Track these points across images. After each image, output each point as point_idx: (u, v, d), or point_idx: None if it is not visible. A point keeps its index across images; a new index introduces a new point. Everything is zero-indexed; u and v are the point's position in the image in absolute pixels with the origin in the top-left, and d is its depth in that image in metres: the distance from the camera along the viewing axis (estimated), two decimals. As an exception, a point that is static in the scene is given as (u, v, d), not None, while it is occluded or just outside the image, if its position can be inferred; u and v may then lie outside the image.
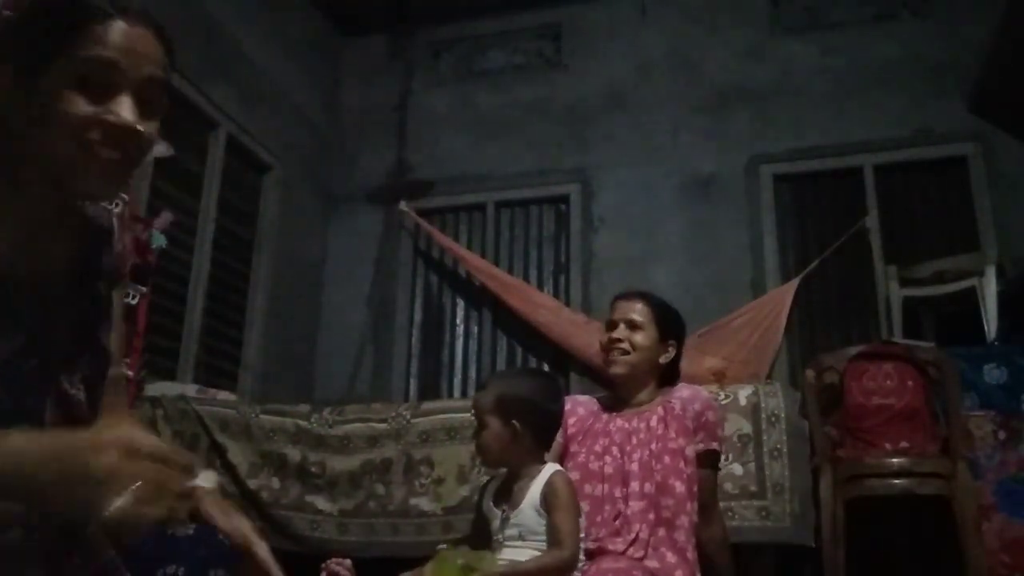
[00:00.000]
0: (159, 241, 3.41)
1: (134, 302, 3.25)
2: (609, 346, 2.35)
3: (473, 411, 2.02)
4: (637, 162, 5.07)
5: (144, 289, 3.30)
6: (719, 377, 3.58)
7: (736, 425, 2.81)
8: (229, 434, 3.28)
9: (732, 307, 4.40)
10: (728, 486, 2.75)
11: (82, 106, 0.96)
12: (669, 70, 5.20)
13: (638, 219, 5.00)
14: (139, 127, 0.99)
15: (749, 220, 4.83)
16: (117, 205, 1.23)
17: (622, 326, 2.35)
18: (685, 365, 2.53)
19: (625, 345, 2.33)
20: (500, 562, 1.86)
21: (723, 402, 2.84)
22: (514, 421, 1.98)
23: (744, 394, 2.89)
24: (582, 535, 1.99)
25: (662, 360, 2.37)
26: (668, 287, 4.56)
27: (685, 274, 4.77)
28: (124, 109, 0.98)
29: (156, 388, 3.52)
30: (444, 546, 1.94)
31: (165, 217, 3.49)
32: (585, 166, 5.19)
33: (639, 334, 2.34)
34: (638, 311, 2.37)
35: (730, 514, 2.69)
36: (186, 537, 0.88)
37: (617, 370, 2.34)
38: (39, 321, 1.02)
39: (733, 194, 4.90)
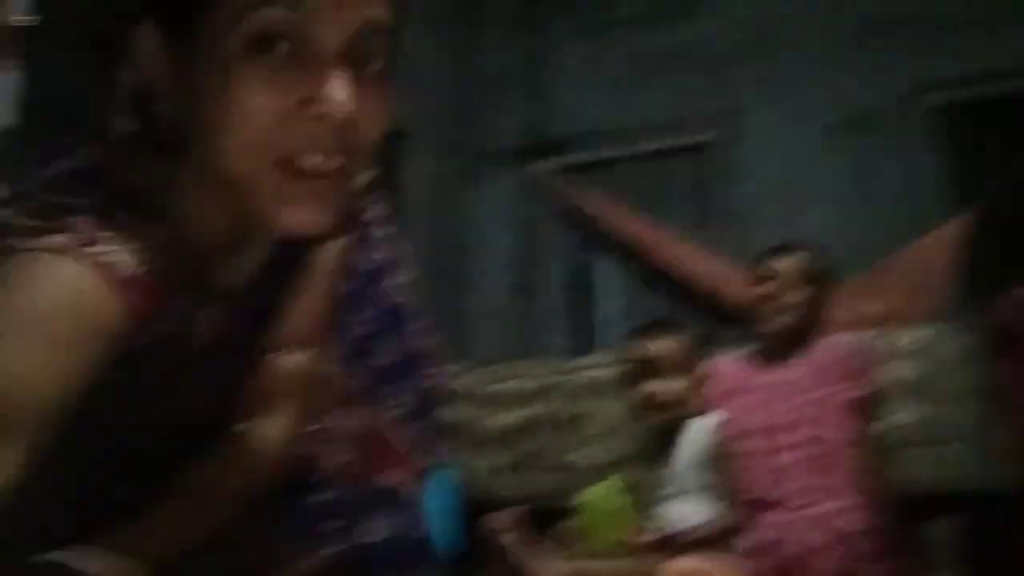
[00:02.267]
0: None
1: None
2: (761, 301, 2.29)
3: (655, 360, 1.94)
4: (783, 102, 4.85)
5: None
6: (882, 321, 3.40)
7: (902, 370, 2.67)
8: (386, 396, 3.39)
9: (893, 248, 4.15)
10: (897, 434, 2.62)
11: (265, 89, 0.63)
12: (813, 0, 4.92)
13: (786, 162, 4.79)
14: (356, 113, 0.65)
15: (909, 155, 4.54)
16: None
17: (775, 281, 2.27)
18: (844, 311, 2.44)
19: (781, 303, 2.25)
20: (660, 517, 1.85)
21: (887, 347, 2.70)
22: (699, 370, 1.96)
23: (910, 337, 2.74)
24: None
25: (815, 317, 2.28)
26: (821, 231, 4.35)
27: (840, 217, 4.54)
28: (335, 90, 0.63)
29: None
30: (588, 493, 1.94)
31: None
32: (727, 111, 5.00)
33: (795, 290, 2.26)
34: (791, 265, 2.29)
35: (900, 463, 2.57)
36: (381, 543, 0.89)
37: (772, 328, 2.28)
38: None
39: (889, 128, 4.60)
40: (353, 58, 0.65)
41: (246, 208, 0.69)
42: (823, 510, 2.03)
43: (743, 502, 2.00)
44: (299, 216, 0.67)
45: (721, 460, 1.87)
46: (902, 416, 2.64)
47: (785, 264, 2.30)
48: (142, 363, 0.73)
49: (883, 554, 2.05)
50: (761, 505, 2.06)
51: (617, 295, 5.18)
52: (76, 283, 0.62)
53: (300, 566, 0.86)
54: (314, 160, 0.65)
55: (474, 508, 2.86)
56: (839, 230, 4.44)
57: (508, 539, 1.76)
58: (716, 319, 4.73)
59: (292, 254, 0.87)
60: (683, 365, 1.94)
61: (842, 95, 4.73)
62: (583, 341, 5.18)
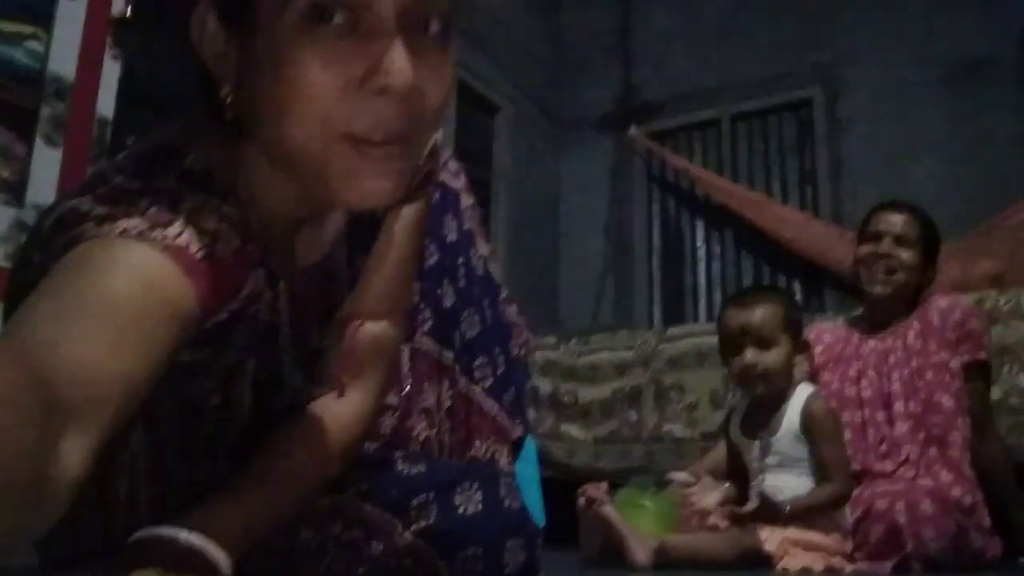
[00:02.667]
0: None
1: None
2: (868, 262, 2.17)
3: (754, 329, 1.87)
4: (888, 53, 4.62)
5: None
6: (997, 281, 3.23)
7: (1020, 332, 2.53)
8: (483, 368, 3.43)
9: (1008, 203, 3.92)
10: (1015, 400, 2.49)
11: (324, 63, 0.62)
12: (918, -55, 4.66)
13: (892, 116, 4.57)
14: (413, 85, 0.63)
15: (1021, 105, 4.27)
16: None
17: (888, 240, 2.15)
18: (957, 271, 2.31)
19: (892, 262, 2.14)
20: (763, 488, 1.81)
21: (1003, 307, 2.56)
22: (802, 337, 1.90)
23: (1027, 297, 2.59)
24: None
25: (923, 282, 2.17)
26: (931, 188, 4.17)
27: (950, 172, 4.32)
28: (396, 59, 0.62)
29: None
30: (624, 491, 1.90)
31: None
32: (828, 64, 4.80)
33: (907, 251, 2.14)
34: (907, 224, 2.16)
35: (1018, 430, 2.44)
36: (476, 514, 0.89)
37: (881, 289, 2.16)
38: (290, 353, 0.85)
39: (1002, 77, 4.33)
40: (412, 22, 0.64)
41: (314, 184, 0.68)
42: (936, 479, 1.95)
43: (853, 472, 1.94)
44: (367, 189, 0.66)
45: (826, 429, 1.80)
46: (1021, 379, 2.50)
47: (893, 222, 2.18)
48: (220, 341, 0.75)
49: (996, 524, 1.96)
50: (872, 475, 2.00)
51: (713, 262, 5.08)
52: (149, 268, 0.62)
53: (394, 540, 0.87)
54: (379, 133, 0.64)
55: (570, 479, 2.87)
56: (949, 185, 4.24)
57: (604, 511, 1.75)
58: (819, 284, 4.59)
59: (367, 225, 0.87)
60: (783, 333, 1.86)
61: (950, 44, 4.47)
62: (678, 310, 5.11)
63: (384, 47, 0.62)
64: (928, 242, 2.18)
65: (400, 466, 0.93)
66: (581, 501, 1.80)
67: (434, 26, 0.66)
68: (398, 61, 0.62)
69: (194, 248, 0.66)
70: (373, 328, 0.86)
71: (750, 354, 1.86)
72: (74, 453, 0.51)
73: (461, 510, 0.89)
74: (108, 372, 0.56)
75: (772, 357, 1.85)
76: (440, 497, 0.89)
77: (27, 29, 2.33)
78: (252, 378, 0.80)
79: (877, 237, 2.18)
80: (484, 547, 0.88)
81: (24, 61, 2.30)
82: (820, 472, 1.80)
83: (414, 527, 0.87)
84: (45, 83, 2.33)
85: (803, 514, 1.76)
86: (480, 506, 0.89)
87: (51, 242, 0.66)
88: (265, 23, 0.63)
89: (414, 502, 0.89)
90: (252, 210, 0.74)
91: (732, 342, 1.91)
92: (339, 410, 0.84)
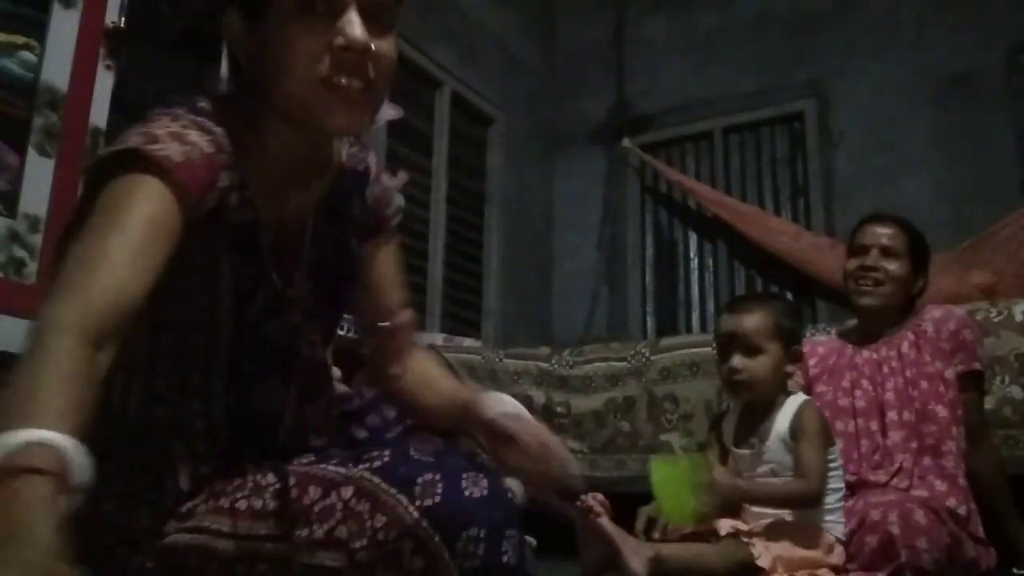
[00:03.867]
0: (397, 201, 3.57)
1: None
2: (859, 274, 2.18)
3: (741, 335, 1.87)
4: (879, 67, 4.65)
5: (388, 247, 3.48)
6: (988, 292, 3.25)
7: (1012, 343, 2.53)
8: (477, 379, 3.42)
9: (999, 215, 3.94)
10: (1008, 411, 2.49)
11: (308, 34, 0.91)
12: (908, -41, 4.70)
13: (883, 129, 4.60)
14: (371, 44, 0.92)
15: (1014, 117, 4.30)
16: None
17: (875, 252, 2.16)
18: (949, 282, 2.32)
19: (879, 274, 2.15)
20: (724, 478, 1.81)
21: (996, 319, 2.56)
22: (794, 347, 1.90)
23: (1020, 309, 2.59)
24: (838, 466, 1.90)
25: (913, 292, 2.18)
26: (922, 200, 4.19)
27: (941, 184, 4.35)
28: (352, 27, 0.92)
29: (408, 339, 3.73)
30: (656, 457, 1.90)
31: (401, 177, 3.65)
32: (819, 78, 4.83)
33: (894, 263, 2.15)
34: (893, 236, 2.17)
35: (1011, 442, 2.45)
36: (482, 498, 0.90)
37: (868, 301, 2.17)
38: (278, 267, 1.03)
39: (991, 91, 4.36)
40: (370, 13, 0.94)
41: (306, 121, 0.95)
42: (931, 489, 1.95)
43: (847, 483, 1.94)
44: (342, 119, 0.95)
45: (810, 433, 1.81)
46: (1013, 391, 2.51)
47: (879, 234, 2.19)
48: (204, 238, 0.94)
49: (990, 534, 1.96)
50: (867, 486, 2.00)
51: (706, 273, 5.09)
52: (148, 203, 0.85)
53: (399, 515, 0.88)
54: (344, 77, 0.93)
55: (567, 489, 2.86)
56: (939, 198, 4.26)
57: (601, 521, 1.74)
58: (811, 295, 4.60)
59: (335, 209, 1.10)
60: (773, 341, 1.87)
61: (940, 58, 4.50)
62: (672, 321, 5.12)
63: (347, 21, 0.92)
64: (917, 253, 2.19)
65: (412, 452, 0.97)
66: (578, 510, 1.79)
67: (386, 20, 0.97)
68: (355, 28, 0.92)
69: (176, 157, 0.88)
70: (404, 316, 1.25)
71: (736, 360, 1.87)
72: (105, 359, 0.77)
73: (467, 492, 0.91)
74: (128, 294, 0.80)
75: (758, 364, 1.86)
76: (447, 478, 0.91)
77: (20, 39, 2.33)
78: (233, 282, 0.98)
79: (864, 250, 2.19)
80: (487, 529, 0.89)
81: (17, 71, 2.30)
82: (796, 470, 1.80)
83: (419, 503, 0.89)
84: (38, 93, 2.33)
85: (764, 501, 1.79)
86: (486, 492, 0.91)
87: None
88: (270, 15, 0.94)
89: (420, 480, 0.90)
90: (259, 155, 0.99)
91: (722, 348, 1.91)
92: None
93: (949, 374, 2.06)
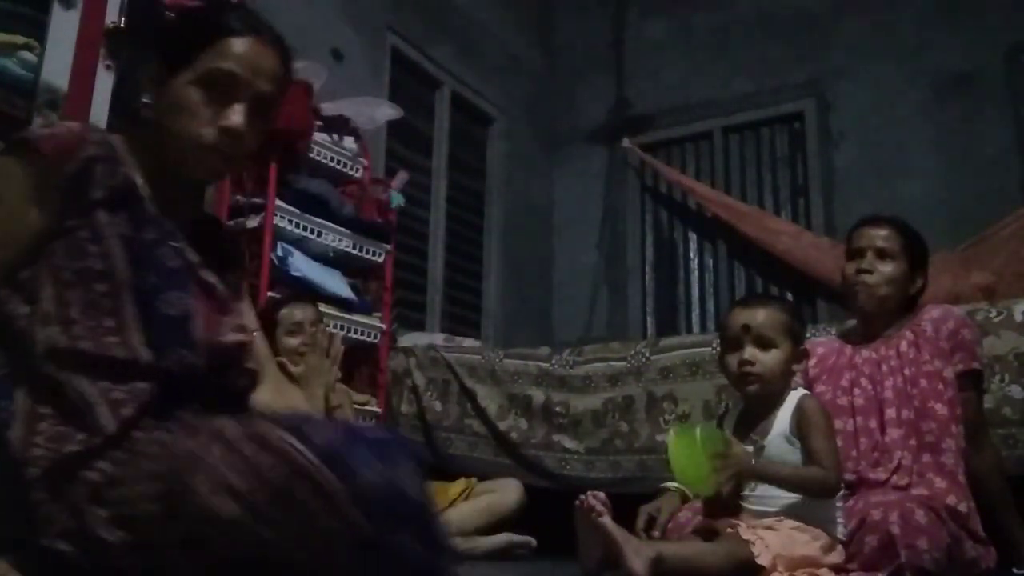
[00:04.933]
0: (398, 201, 3.58)
1: (380, 260, 3.45)
2: (855, 277, 2.19)
3: (756, 328, 1.88)
4: (878, 67, 4.65)
5: (388, 247, 3.49)
6: (988, 293, 3.25)
7: (1012, 343, 2.53)
8: (477, 379, 3.42)
9: (999, 216, 3.94)
10: (1007, 411, 2.49)
11: (204, 105, 1.15)
12: (908, -41, 4.70)
13: (883, 129, 4.60)
14: (243, 132, 1.16)
15: (1014, 117, 4.30)
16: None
17: (869, 255, 2.17)
18: (948, 282, 2.33)
19: (874, 277, 2.16)
20: (755, 492, 1.82)
21: (995, 319, 2.57)
22: (801, 347, 1.91)
23: (1020, 309, 2.59)
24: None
25: (911, 291, 2.18)
26: (921, 200, 4.19)
27: (941, 185, 4.35)
28: (236, 115, 1.16)
29: (408, 339, 3.74)
30: (676, 427, 1.91)
31: (401, 177, 3.65)
32: (819, 78, 4.83)
33: (889, 264, 2.16)
34: (887, 238, 2.18)
35: (1011, 441, 2.45)
36: (376, 439, 0.93)
37: (865, 303, 2.18)
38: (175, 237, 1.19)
39: (991, 91, 4.36)
40: (254, 106, 1.19)
41: (182, 160, 1.17)
42: (930, 487, 1.95)
43: (847, 482, 1.94)
44: (203, 171, 1.20)
45: (817, 423, 1.81)
46: (1012, 390, 2.51)
47: (872, 236, 2.19)
48: (83, 190, 1.12)
49: (990, 533, 1.96)
50: (867, 485, 2.00)
51: (706, 273, 5.09)
52: (16, 174, 1.11)
53: (294, 458, 0.90)
54: (214, 145, 1.16)
55: (563, 490, 2.86)
56: (939, 198, 4.26)
57: (601, 520, 1.74)
58: (811, 295, 4.60)
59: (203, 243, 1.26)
60: (784, 338, 1.88)
61: (940, 58, 4.50)
62: (671, 321, 5.12)
63: (234, 108, 1.17)
64: (913, 253, 2.19)
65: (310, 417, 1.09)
66: (579, 510, 1.79)
67: (263, 112, 1.21)
68: (236, 113, 1.17)
69: (42, 133, 1.13)
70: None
71: (749, 351, 1.87)
72: None
73: (362, 436, 0.94)
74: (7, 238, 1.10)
75: (770, 358, 1.87)
76: (350, 433, 0.95)
77: (20, 39, 2.33)
78: (120, 231, 1.12)
79: (860, 253, 2.20)
80: (377, 473, 0.90)
81: (17, 71, 2.30)
82: (809, 462, 1.80)
83: (318, 447, 0.90)
84: (38, 93, 2.32)
85: (781, 483, 1.79)
86: (379, 433, 0.98)
87: None
88: (184, 76, 1.17)
89: (319, 437, 0.92)
90: (146, 167, 1.19)
91: (733, 340, 1.91)
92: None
93: (948, 373, 2.07)
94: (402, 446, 0.97)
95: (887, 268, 2.16)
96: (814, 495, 1.80)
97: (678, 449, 1.77)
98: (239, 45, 1.17)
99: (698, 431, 1.76)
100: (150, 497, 0.98)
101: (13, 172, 1.11)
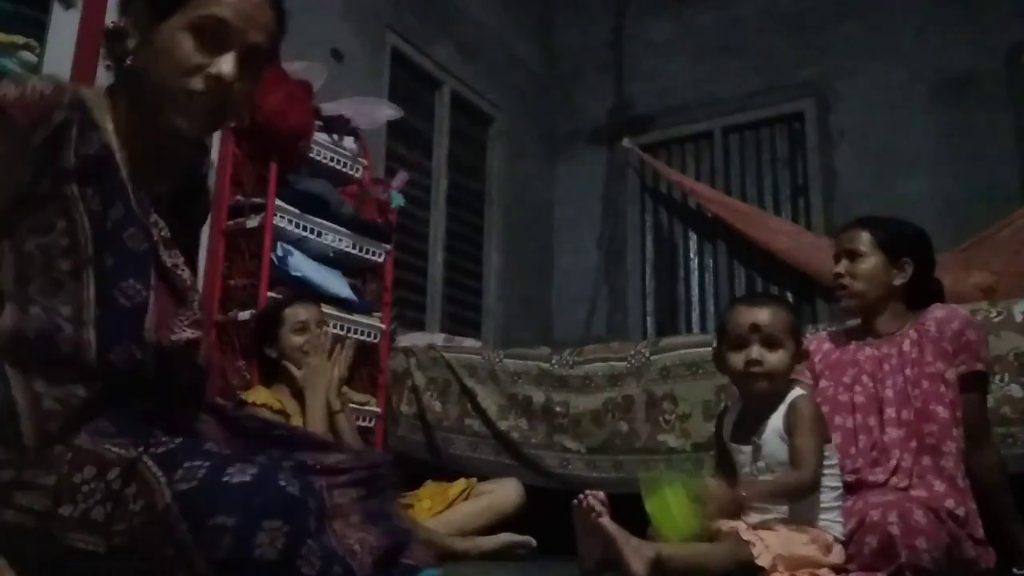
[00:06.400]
0: (397, 201, 3.58)
1: (380, 260, 3.45)
2: (833, 283, 2.27)
3: (765, 328, 1.89)
4: (878, 67, 4.65)
5: (388, 247, 3.49)
6: (989, 293, 3.25)
7: (1012, 343, 2.54)
8: (477, 379, 3.42)
9: (999, 216, 3.94)
10: (1007, 410, 2.50)
11: (193, 51, 1.09)
12: (908, -41, 4.70)
13: (883, 129, 4.60)
14: (234, 82, 1.10)
15: (1014, 117, 4.30)
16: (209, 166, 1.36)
17: (843, 259, 2.23)
18: (948, 282, 2.34)
19: (846, 279, 2.21)
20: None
21: (995, 319, 2.57)
22: (802, 347, 1.95)
23: (1020, 309, 2.59)
24: (835, 463, 1.91)
25: (896, 283, 2.19)
26: (921, 200, 4.20)
27: (941, 185, 4.35)
28: (226, 64, 1.10)
29: (408, 339, 3.73)
30: (646, 476, 1.91)
31: (401, 177, 3.65)
32: (819, 78, 4.83)
33: (860, 263, 2.21)
34: (858, 240, 2.23)
35: (1010, 440, 2.45)
36: (241, 484, 0.87)
37: (847, 303, 2.25)
38: (142, 209, 1.14)
39: (991, 91, 4.36)
40: (246, 58, 1.13)
41: (161, 112, 1.10)
42: (930, 489, 1.95)
43: (845, 483, 1.95)
44: (184, 122, 1.11)
45: (803, 422, 1.82)
46: (1012, 389, 2.51)
47: (844, 239, 2.24)
48: (54, 156, 1.06)
49: (990, 534, 1.96)
50: (866, 486, 2.00)
51: (706, 273, 5.09)
52: None
53: (154, 499, 0.91)
54: (202, 96, 1.10)
55: (564, 490, 2.86)
56: (939, 198, 4.27)
57: (601, 520, 1.74)
58: (811, 295, 4.61)
59: (180, 211, 1.24)
60: (790, 337, 1.90)
61: (940, 58, 4.50)
62: (671, 321, 5.12)
63: (225, 57, 1.11)
64: (886, 246, 2.21)
65: (206, 443, 1.02)
66: (578, 509, 1.79)
67: (255, 66, 1.16)
68: (226, 63, 1.10)
69: (11, 95, 1.04)
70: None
71: (757, 351, 1.88)
72: None
73: (227, 478, 0.89)
74: None
75: (778, 357, 1.88)
76: (214, 465, 0.91)
77: (20, 39, 2.33)
78: (89, 207, 1.07)
79: (836, 259, 2.27)
80: (236, 518, 0.86)
81: (17, 71, 2.30)
82: (791, 462, 1.81)
83: (176, 487, 0.89)
84: (38, 93, 2.32)
85: (766, 499, 1.81)
86: (248, 478, 0.90)
87: None
88: (172, 20, 1.10)
89: (187, 464, 0.91)
90: (124, 127, 1.14)
91: (739, 339, 1.91)
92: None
93: (950, 375, 2.06)
94: (273, 494, 0.91)
95: (858, 267, 2.21)
96: (796, 499, 1.82)
97: (652, 506, 1.79)
98: None
99: (676, 486, 1.78)
100: (35, 512, 0.96)
101: None
